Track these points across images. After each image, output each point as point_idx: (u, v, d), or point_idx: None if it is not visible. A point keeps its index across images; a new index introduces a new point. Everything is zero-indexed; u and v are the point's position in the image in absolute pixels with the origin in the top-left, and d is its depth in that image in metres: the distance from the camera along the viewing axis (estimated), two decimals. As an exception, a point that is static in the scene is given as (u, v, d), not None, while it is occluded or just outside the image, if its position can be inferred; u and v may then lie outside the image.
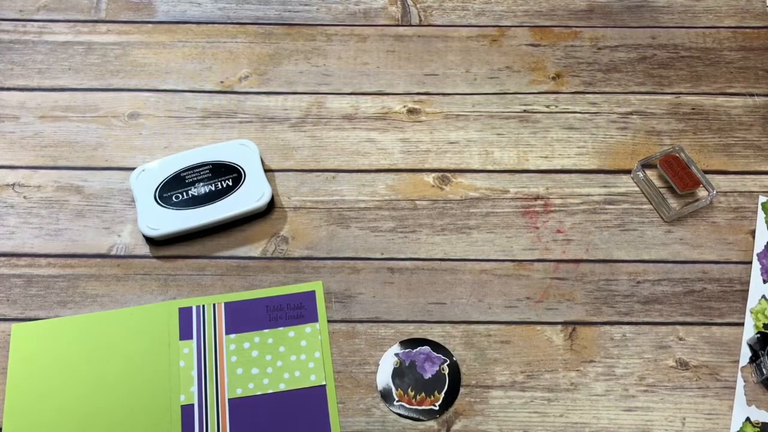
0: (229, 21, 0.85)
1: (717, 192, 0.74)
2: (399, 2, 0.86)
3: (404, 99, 0.80)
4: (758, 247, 0.71)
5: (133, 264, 0.71)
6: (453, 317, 0.68)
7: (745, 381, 0.66)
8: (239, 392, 0.64)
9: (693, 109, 0.79)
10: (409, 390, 0.65)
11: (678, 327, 0.68)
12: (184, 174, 0.73)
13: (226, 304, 0.68)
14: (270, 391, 0.65)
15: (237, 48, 0.83)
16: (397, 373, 0.66)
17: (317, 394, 0.65)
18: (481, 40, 0.84)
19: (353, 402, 0.65)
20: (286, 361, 0.66)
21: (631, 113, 0.79)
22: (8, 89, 0.80)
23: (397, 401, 0.65)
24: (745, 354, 0.67)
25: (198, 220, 0.71)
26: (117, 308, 0.68)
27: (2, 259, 0.71)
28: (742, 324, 0.68)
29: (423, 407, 0.65)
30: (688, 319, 0.68)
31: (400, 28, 0.85)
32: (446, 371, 0.66)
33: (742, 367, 0.66)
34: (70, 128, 0.78)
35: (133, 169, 0.74)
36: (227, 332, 0.67)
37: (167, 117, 0.79)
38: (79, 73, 0.81)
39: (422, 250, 0.72)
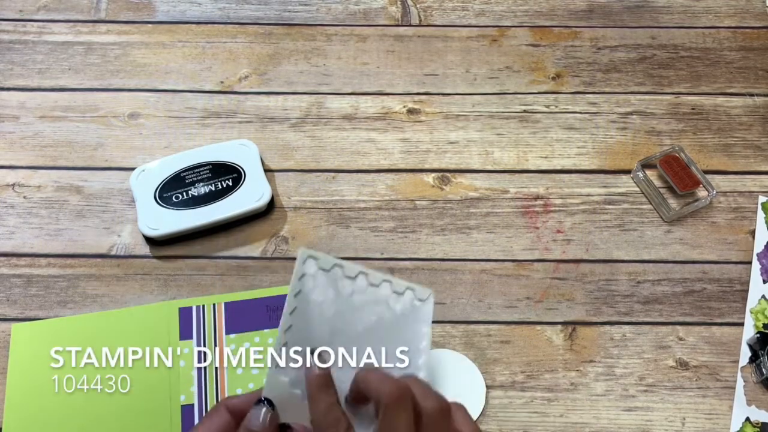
0: (229, 21, 0.85)
1: (717, 192, 0.74)
2: (399, 2, 0.86)
3: (404, 99, 0.80)
4: (758, 247, 0.71)
5: (133, 264, 0.71)
6: (453, 317, 0.68)
7: (745, 381, 0.66)
8: (239, 392, 0.64)
9: (693, 109, 0.79)
10: (409, 390, 0.65)
11: (678, 327, 0.68)
12: (184, 174, 0.73)
13: (226, 304, 0.68)
14: (270, 391, 0.64)
15: (237, 48, 0.83)
16: (397, 373, 0.66)
17: (317, 394, 0.65)
18: (481, 40, 0.84)
19: (353, 402, 0.65)
20: (286, 361, 0.66)
21: (631, 113, 0.79)
22: (8, 89, 0.80)
23: (397, 401, 0.65)
24: (745, 354, 0.67)
25: (198, 220, 0.71)
26: (117, 308, 0.68)
27: (2, 259, 0.71)
28: (742, 324, 0.68)
29: (423, 407, 0.64)
30: (688, 319, 0.68)
31: (400, 28, 0.85)
32: (446, 371, 0.66)
33: (742, 367, 0.66)
34: (70, 128, 0.78)
35: (133, 169, 0.74)
36: (227, 332, 0.67)
37: (167, 117, 0.79)
38: (79, 73, 0.81)
39: (422, 250, 0.71)
